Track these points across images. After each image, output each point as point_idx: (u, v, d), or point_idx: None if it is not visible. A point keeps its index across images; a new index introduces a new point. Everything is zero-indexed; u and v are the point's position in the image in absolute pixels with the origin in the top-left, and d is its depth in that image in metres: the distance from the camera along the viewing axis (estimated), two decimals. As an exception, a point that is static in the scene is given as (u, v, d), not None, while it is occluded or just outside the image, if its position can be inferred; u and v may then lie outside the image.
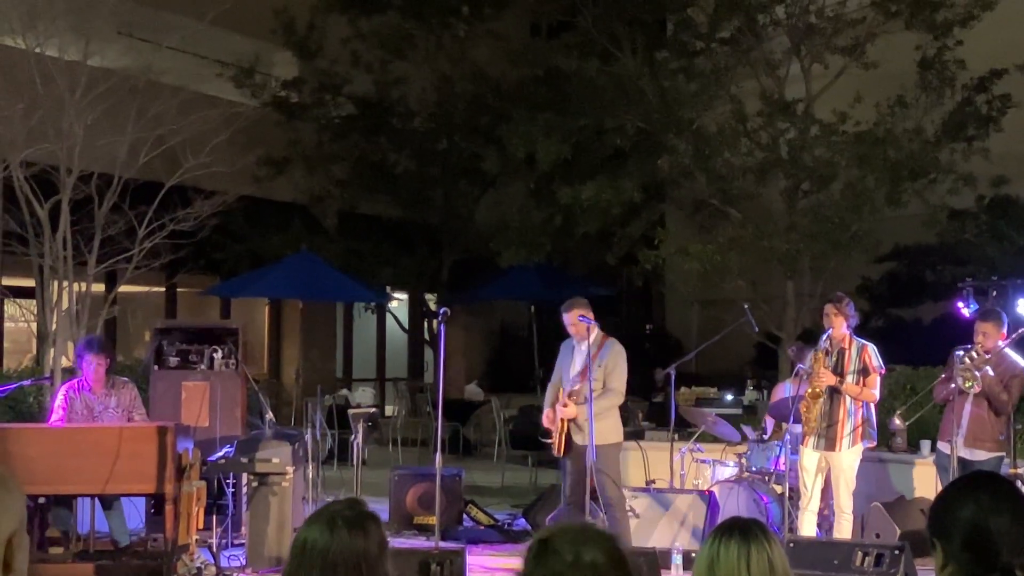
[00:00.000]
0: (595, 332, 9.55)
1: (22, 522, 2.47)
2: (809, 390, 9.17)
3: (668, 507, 10.03)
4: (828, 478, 9.36)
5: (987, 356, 8.87)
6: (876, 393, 9.26)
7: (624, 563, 2.77)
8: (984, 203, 17.97)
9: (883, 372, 9.30)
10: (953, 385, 8.94)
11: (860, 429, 9.16)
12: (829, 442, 9.17)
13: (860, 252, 16.61)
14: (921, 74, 16.10)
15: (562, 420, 9.47)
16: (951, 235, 17.78)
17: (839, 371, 9.16)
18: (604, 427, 9.32)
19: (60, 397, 9.68)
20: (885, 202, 15.77)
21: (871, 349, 9.21)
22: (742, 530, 3.18)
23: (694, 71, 17.38)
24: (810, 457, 9.26)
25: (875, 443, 9.51)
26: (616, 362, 9.46)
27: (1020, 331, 9.21)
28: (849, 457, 9.18)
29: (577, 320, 9.53)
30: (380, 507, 11.87)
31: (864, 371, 9.16)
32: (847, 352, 9.20)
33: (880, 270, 20.34)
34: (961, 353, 8.95)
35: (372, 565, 3.13)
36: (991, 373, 8.87)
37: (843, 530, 9.20)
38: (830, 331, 9.25)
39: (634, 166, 17.59)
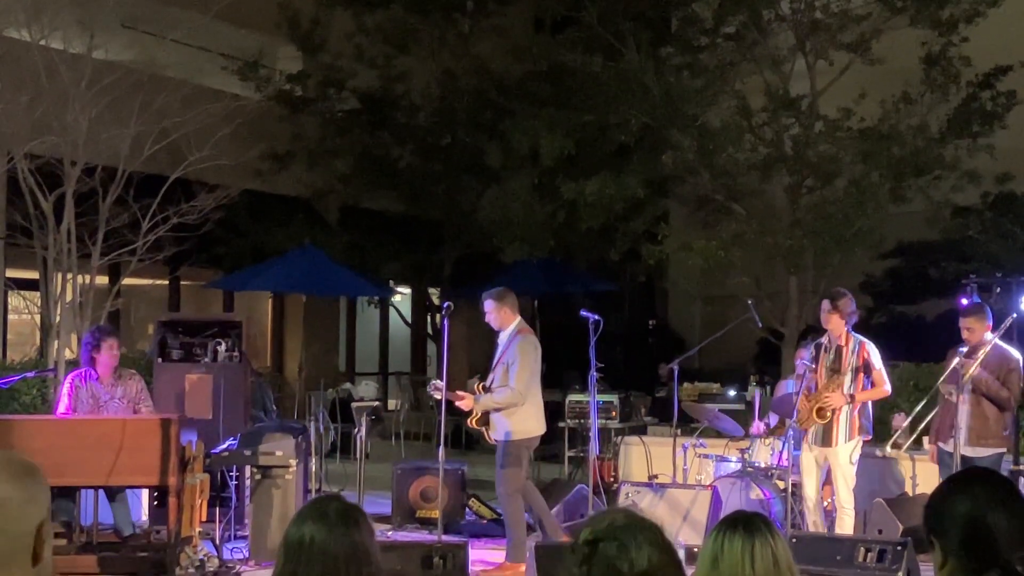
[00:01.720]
0: (511, 325, 9.56)
1: (48, 513, 2.54)
2: (819, 405, 9.15)
3: (671, 502, 10.04)
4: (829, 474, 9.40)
5: (973, 361, 8.87)
6: (888, 388, 9.29)
7: (673, 553, 2.77)
8: (988, 200, 17.95)
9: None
10: (950, 396, 9.01)
11: (856, 424, 9.19)
12: (825, 438, 9.21)
13: (864, 248, 16.59)
14: (926, 70, 16.08)
15: (477, 416, 9.59)
16: (955, 232, 17.76)
17: (837, 367, 9.20)
18: (504, 423, 9.40)
19: (66, 386, 9.70)
20: (889, 198, 15.77)
21: (869, 346, 9.23)
22: (746, 524, 3.18)
23: (698, 67, 17.37)
24: (808, 454, 9.30)
25: (871, 436, 9.52)
26: (515, 357, 9.44)
27: (1007, 323, 9.21)
28: (846, 452, 9.21)
29: (487, 312, 9.66)
30: (383, 501, 11.90)
31: (865, 369, 9.18)
32: (844, 349, 9.23)
33: (883, 267, 20.34)
34: (964, 350, 8.96)
35: (368, 556, 3.14)
36: (984, 375, 8.88)
37: (844, 525, 9.23)
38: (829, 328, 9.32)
39: (638, 162, 17.57)
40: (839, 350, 9.25)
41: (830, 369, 9.23)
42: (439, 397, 9.56)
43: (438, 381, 9.57)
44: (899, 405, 11.17)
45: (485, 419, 9.58)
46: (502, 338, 9.61)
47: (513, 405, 9.38)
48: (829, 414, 9.14)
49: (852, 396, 9.14)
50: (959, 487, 2.98)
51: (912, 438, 9.95)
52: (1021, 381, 9.09)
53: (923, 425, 10.08)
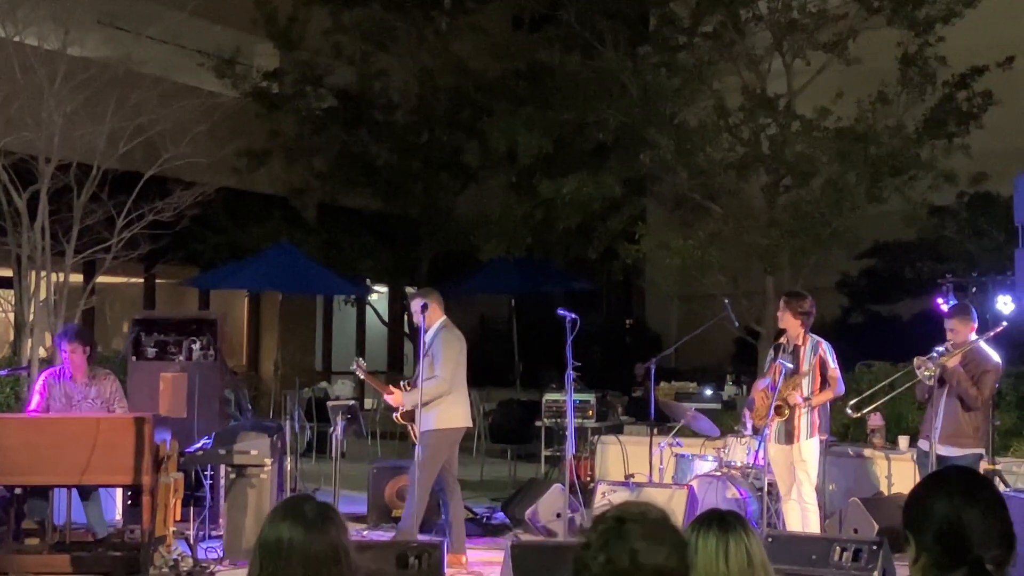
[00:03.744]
0: (437, 322, 9.61)
1: None
2: (778, 402, 9.17)
3: (647, 501, 10.01)
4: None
5: (955, 351, 8.88)
6: (841, 388, 9.36)
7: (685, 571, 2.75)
8: (964, 200, 18.01)
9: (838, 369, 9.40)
10: (920, 377, 8.99)
11: (816, 423, 9.23)
12: (788, 436, 9.27)
13: (840, 248, 16.62)
14: (902, 70, 16.10)
15: (406, 412, 9.64)
16: (931, 232, 17.81)
17: (795, 368, 9.26)
18: (429, 414, 9.46)
19: (39, 383, 9.65)
20: (865, 198, 15.78)
21: (825, 346, 9.31)
22: (720, 522, 3.18)
23: (676, 66, 17.36)
24: (775, 449, 9.33)
25: (826, 435, 9.58)
26: (439, 349, 9.55)
27: (997, 328, 9.21)
28: (807, 448, 9.25)
29: (413, 313, 9.75)
30: (359, 500, 11.86)
31: (821, 368, 9.24)
32: (802, 349, 9.27)
33: (860, 266, 20.40)
34: (941, 349, 8.96)
35: (347, 555, 3.11)
36: (960, 370, 8.88)
37: (810, 523, 9.24)
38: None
39: (615, 161, 17.56)
40: (796, 350, 9.30)
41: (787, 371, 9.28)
42: (361, 376, 9.72)
43: (361, 360, 9.69)
44: (870, 400, 11.18)
45: (411, 415, 9.61)
46: (428, 335, 9.65)
47: (440, 394, 9.44)
48: (787, 411, 9.18)
49: (808, 399, 9.19)
50: (937, 485, 3.00)
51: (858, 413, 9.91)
52: (995, 385, 9.11)
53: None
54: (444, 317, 9.78)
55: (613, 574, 2.71)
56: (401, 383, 9.88)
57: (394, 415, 9.94)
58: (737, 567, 3.09)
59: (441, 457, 9.59)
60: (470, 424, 9.88)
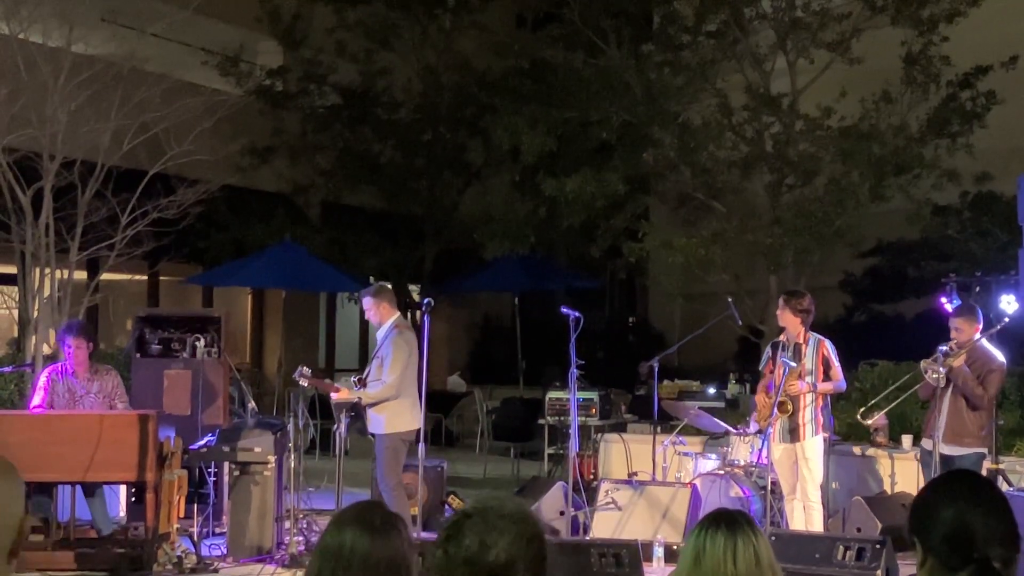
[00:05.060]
0: (389, 320, 9.61)
1: (25, 508, 2.53)
2: (782, 398, 9.18)
3: (650, 500, 10.04)
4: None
5: (960, 351, 8.90)
6: (843, 384, 9.45)
7: (535, 566, 2.74)
8: (968, 199, 17.99)
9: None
10: (927, 379, 9.00)
11: (820, 420, 9.26)
12: (792, 434, 9.28)
13: (843, 247, 16.64)
14: (906, 70, 16.10)
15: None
16: (934, 231, 17.80)
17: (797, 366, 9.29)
18: (378, 418, 9.52)
19: (42, 380, 9.67)
20: (869, 197, 15.78)
21: (828, 344, 9.34)
22: (728, 522, 3.19)
23: (680, 64, 17.35)
24: (778, 448, 9.34)
25: (829, 433, 9.60)
26: (388, 351, 9.53)
27: (998, 326, 9.22)
28: (811, 447, 9.27)
29: (366, 310, 9.77)
30: (362, 498, 11.86)
31: (824, 364, 9.26)
32: (803, 348, 9.29)
33: (863, 265, 20.38)
34: (944, 348, 8.97)
35: (408, 569, 3.07)
36: (966, 369, 8.89)
37: (814, 521, 9.25)
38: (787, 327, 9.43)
39: (619, 159, 17.56)
40: (797, 348, 9.32)
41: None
42: (305, 384, 9.66)
43: (305, 368, 9.65)
44: (879, 404, 11.20)
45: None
46: (380, 333, 9.67)
47: (386, 399, 9.48)
48: (790, 406, 9.18)
49: (814, 384, 9.21)
50: (941, 491, 3.02)
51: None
52: (1000, 384, 9.12)
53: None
54: (397, 315, 9.75)
55: (448, 568, 2.71)
56: (352, 379, 9.89)
57: None
58: (745, 568, 3.10)
59: (399, 456, 9.63)
60: (419, 426, 9.80)
